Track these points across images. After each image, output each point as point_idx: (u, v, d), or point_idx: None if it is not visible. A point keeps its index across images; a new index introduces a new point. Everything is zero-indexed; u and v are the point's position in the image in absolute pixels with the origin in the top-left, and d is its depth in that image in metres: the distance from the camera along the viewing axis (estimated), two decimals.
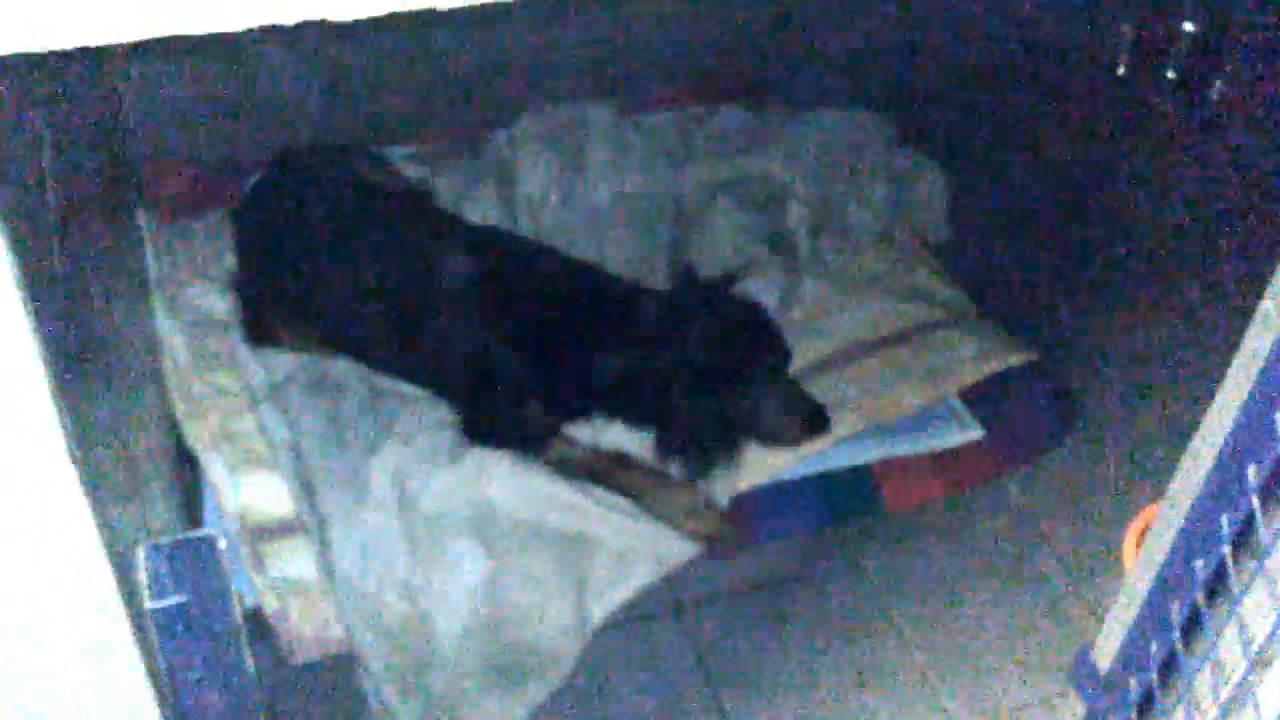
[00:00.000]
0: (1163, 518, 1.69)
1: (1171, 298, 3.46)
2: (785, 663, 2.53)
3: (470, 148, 3.39)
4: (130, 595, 1.28)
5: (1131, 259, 3.65)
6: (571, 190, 3.23)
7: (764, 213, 3.26)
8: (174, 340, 2.75)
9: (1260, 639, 1.22)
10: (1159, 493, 2.33)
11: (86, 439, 1.24)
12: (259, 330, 2.76)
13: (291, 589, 2.41)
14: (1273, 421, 1.12)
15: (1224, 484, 1.24)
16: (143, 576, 1.33)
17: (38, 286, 1.13)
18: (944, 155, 3.67)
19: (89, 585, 1.20)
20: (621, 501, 2.56)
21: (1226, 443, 1.23)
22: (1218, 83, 4.17)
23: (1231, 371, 1.23)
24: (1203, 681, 1.39)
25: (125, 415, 1.85)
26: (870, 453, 2.87)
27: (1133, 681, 1.71)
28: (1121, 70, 4.29)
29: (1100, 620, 2.30)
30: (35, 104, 1.60)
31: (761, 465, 2.75)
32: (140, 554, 1.35)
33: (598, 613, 2.50)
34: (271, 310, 2.78)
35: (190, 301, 2.87)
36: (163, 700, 1.36)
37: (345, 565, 2.38)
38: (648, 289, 2.76)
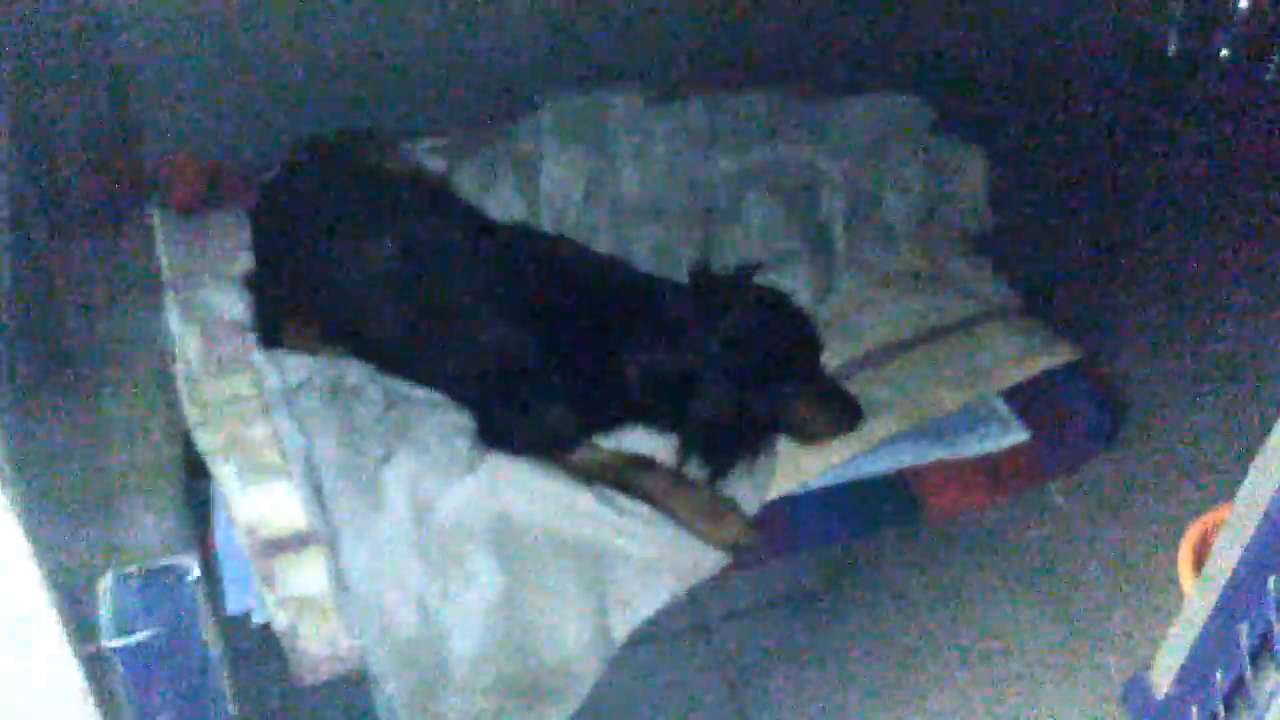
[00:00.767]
0: (1229, 529, 1.56)
1: (1224, 294, 3.32)
2: (817, 682, 2.42)
3: (490, 140, 3.26)
4: (91, 633, 1.17)
5: (1183, 253, 3.51)
6: (596, 182, 3.12)
7: (796, 202, 3.12)
8: (188, 343, 2.64)
9: None
10: (1214, 500, 2.22)
11: (33, 458, 1.12)
12: (274, 332, 2.66)
13: (302, 605, 2.32)
14: None
15: None
16: (103, 611, 1.22)
17: None
18: (984, 143, 3.51)
19: (26, 623, 1.08)
20: (644, 509, 2.44)
21: None
22: (1275, 60, 4.03)
23: None
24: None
25: (110, 426, 1.75)
26: (908, 457, 2.74)
27: (1194, 709, 1.58)
28: (1172, 49, 4.15)
29: (1153, 637, 2.20)
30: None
31: (792, 471, 2.63)
32: (104, 585, 1.24)
33: (620, 629, 2.39)
34: (287, 311, 2.69)
35: (205, 302, 2.76)
36: None
37: (357, 578, 2.29)
38: (672, 282, 2.63)
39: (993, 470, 2.76)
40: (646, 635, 2.42)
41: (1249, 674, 1.33)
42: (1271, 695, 1.25)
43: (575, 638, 2.33)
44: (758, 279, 2.67)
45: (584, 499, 2.41)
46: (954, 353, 2.90)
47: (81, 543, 1.29)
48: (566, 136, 3.16)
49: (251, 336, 2.69)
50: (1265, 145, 3.84)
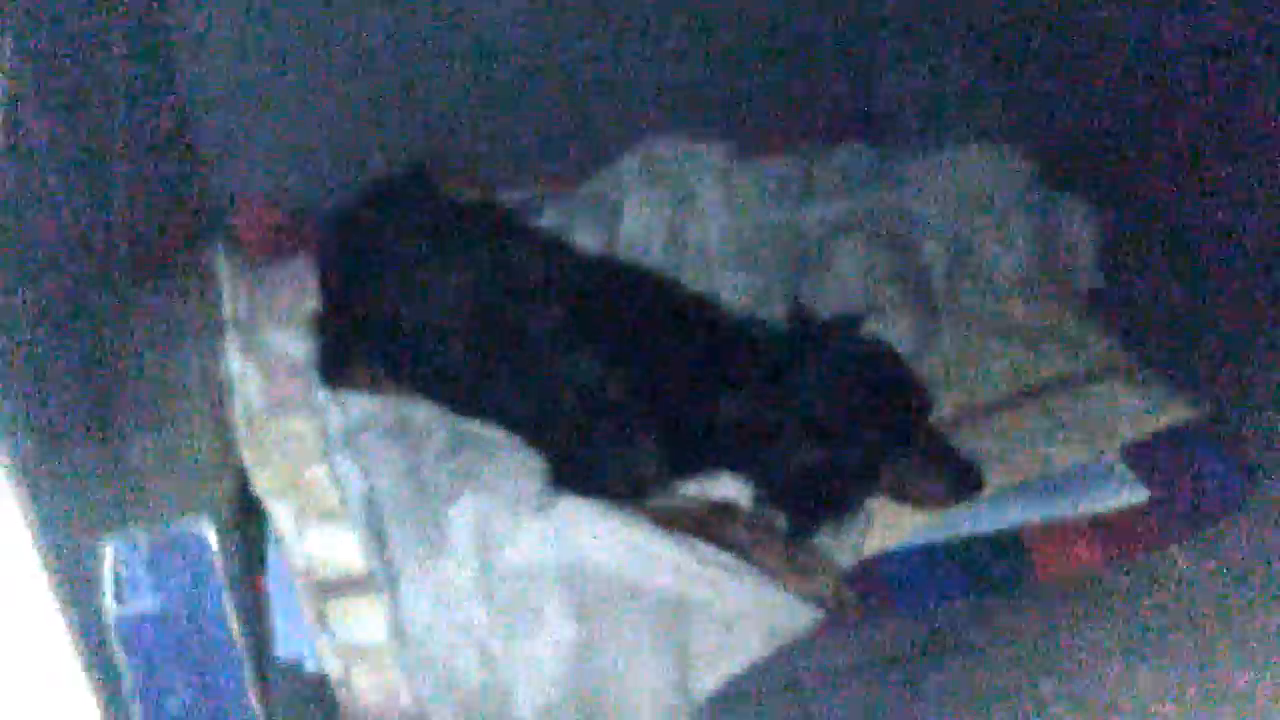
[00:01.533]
0: None
1: None
2: None
3: (568, 186, 3.15)
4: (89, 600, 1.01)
5: None
6: (680, 229, 2.97)
7: (893, 250, 2.94)
8: (247, 383, 2.52)
9: None
10: None
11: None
12: (338, 371, 2.54)
13: (357, 653, 2.15)
14: None
15: None
16: (107, 574, 1.04)
17: None
18: (1095, 194, 3.30)
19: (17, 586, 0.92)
20: (729, 559, 2.25)
21: None
22: None
23: None
24: None
25: (158, 466, 1.62)
26: (1019, 515, 2.51)
27: None
28: None
29: None
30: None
31: (891, 527, 2.42)
32: (109, 550, 1.07)
33: (702, 688, 2.20)
34: (354, 349, 2.56)
35: (267, 342, 2.64)
36: None
37: (417, 625, 2.12)
38: (767, 323, 2.47)
39: (1109, 531, 2.53)
40: (733, 695, 2.22)
41: None
42: None
43: (652, 694, 2.14)
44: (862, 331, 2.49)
45: (664, 546, 2.23)
46: (1067, 408, 2.69)
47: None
48: (650, 182, 3.02)
49: (314, 376, 2.54)
50: None
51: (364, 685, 2.13)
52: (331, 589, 2.23)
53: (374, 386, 2.53)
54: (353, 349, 2.58)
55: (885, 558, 2.42)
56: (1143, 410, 2.68)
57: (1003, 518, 2.51)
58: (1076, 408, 2.69)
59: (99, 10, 1.86)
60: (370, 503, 2.28)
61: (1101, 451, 2.62)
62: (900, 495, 2.38)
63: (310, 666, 2.20)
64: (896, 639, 2.39)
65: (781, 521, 2.31)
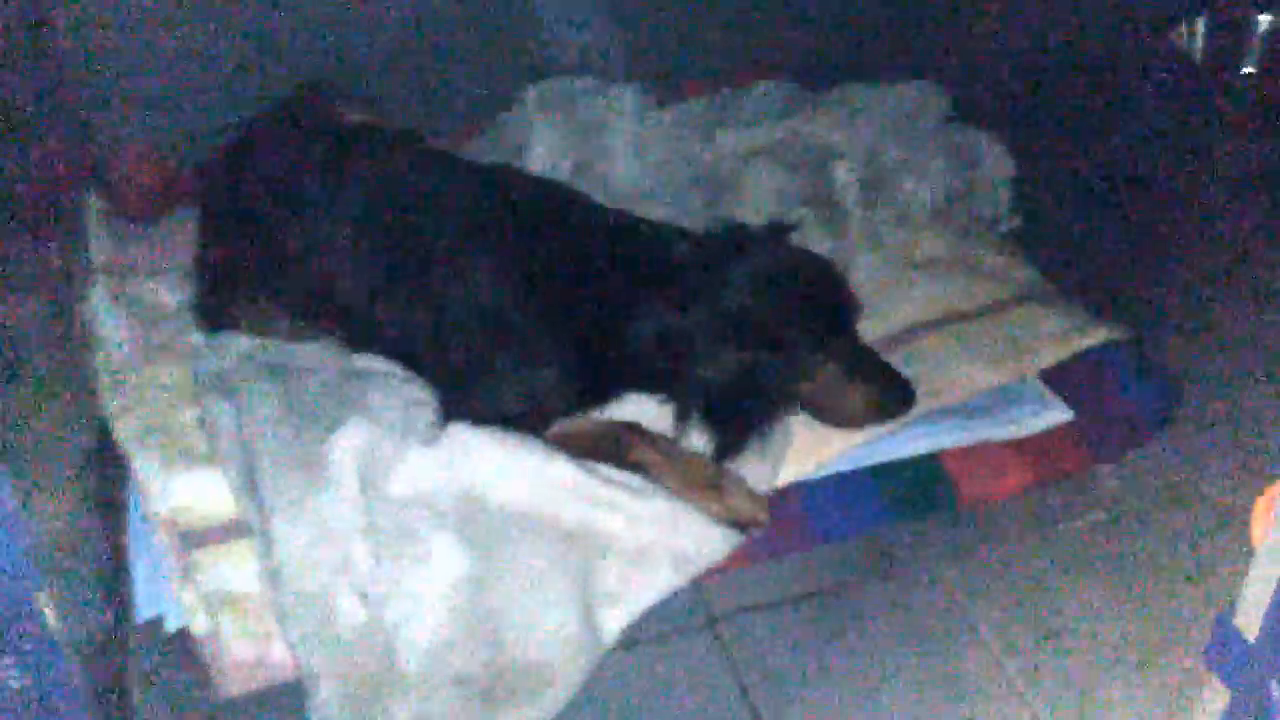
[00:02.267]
0: None
1: (1267, 279, 3.04)
2: (843, 682, 2.04)
3: (477, 131, 3.02)
4: None
5: (1218, 245, 3.24)
6: (588, 162, 2.82)
7: (807, 176, 2.81)
8: (113, 331, 2.33)
9: None
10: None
11: None
12: (218, 312, 2.35)
13: (226, 602, 1.95)
14: None
15: None
16: None
17: None
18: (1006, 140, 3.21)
19: None
20: (635, 481, 2.08)
21: None
22: None
23: None
24: None
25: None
26: (940, 439, 2.39)
27: None
28: (1198, 58, 3.92)
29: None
30: None
31: (806, 454, 2.27)
32: None
33: (611, 624, 2.01)
34: (235, 288, 2.37)
35: (138, 291, 2.47)
36: None
37: (292, 565, 1.92)
38: (685, 232, 2.29)
39: (1034, 454, 2.41)
40: (645, 632, 2.06)
41: None
42: None
43: (555, 631, 1.95)
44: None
45: (563, 470, 2.05)
46: (986, 332, 2.57)
47: None
48: (553, 117, 2.87)
49: (187, 322, 2.38)
50: None
51: (233, 637, 1.93)
52: (198, 537, 2.04)
53: (257, 326, 2.34)
54: (235, 289, 2.38)
55: (803, 486, 2.27)
56: (1062, 332, 2.57)
57: (923, 442, 2.38)
58: (996, 331, 2.57)
59: None
60: (244, 444, 2.08)
61: (1023, 374, 2.49)
62: (823, 411, 2.23)
63: (173, 624, 1.99)
64: (819, 570, 2.24)
65: (695, 440, 2.13)
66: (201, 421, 2.18)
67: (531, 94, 2.97)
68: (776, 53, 3.34)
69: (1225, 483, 2.42)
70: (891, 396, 2.22)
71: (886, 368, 2.25)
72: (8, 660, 1.40)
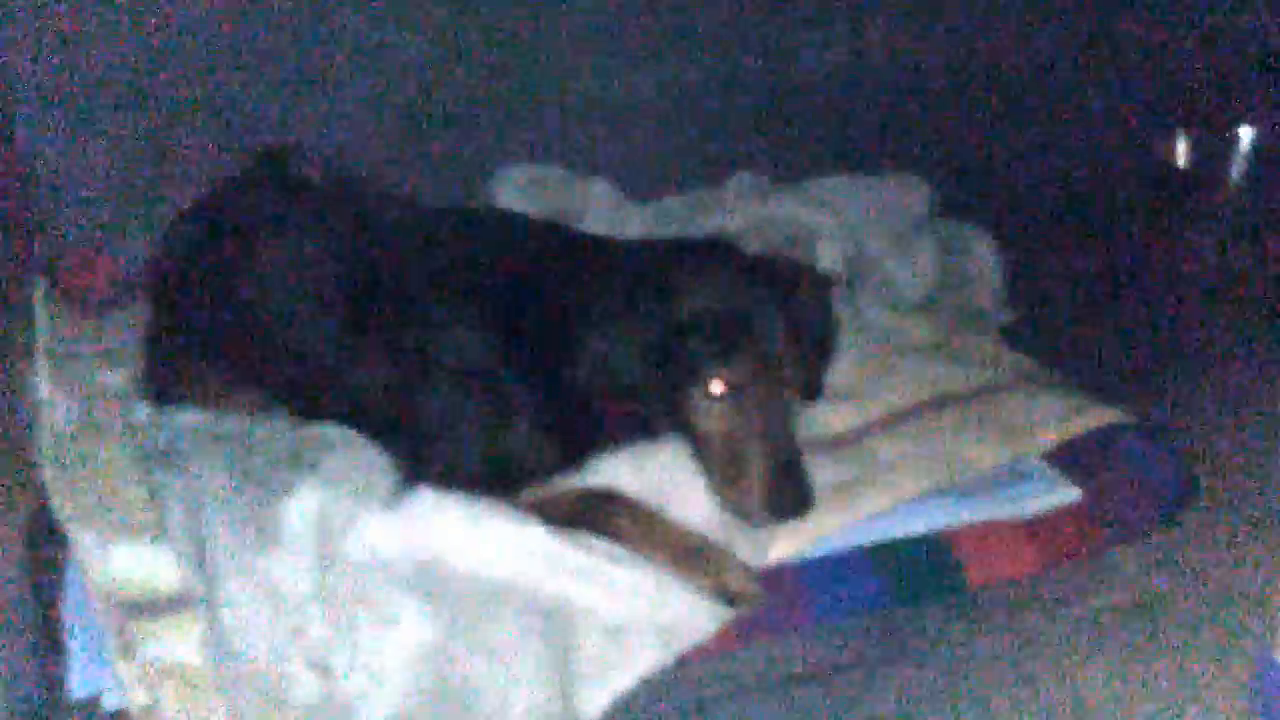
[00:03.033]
0: None
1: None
2: None
3: None
4: None
5: (1218, 338, 3.13)
6: None
7: (790, 254, 2.71)
8: (56, 409, 2.22)
9: None
10: None
11: None
12: (167, 385, 2.24)
13: (167, 675, 1.77)
14: None
15: None
16: None
17: None
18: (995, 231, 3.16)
19: None
20: (615, 550, 1.92)
21: None
22: None
23: None
24: None
25: None
26: (944, 518, 2.24)
27: None
28: (1181, 164, 3.94)
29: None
30: None
31: (799, 530, 2.10)
32: None
33: (590, 705, 1.85)
34: (187, 360, 2.27)
35: (83, 372, 2.38)
36: None
37: (240, 632, 1.76)
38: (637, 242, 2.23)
39: (1047, 534, 2.26)
40: (628, 715, 1.88)
41: None
42: None
43: (528, 710, 1.78)
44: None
45: (538, 537, 1.90)
46: (983, 413, 2.46)
47: None
48: (525, 199, 2.78)
49: (132, 401, 2.28)
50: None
51: (174, 713, 1.74)
52: (138, 610, 1.87)
53: (208, 399, 2.21)
54: (187, 361, 2.26)
55: (800, 565, 2.11)
56: (1063, 413, 2.46)
57: (927, 520, 2.23)
58: (993, 413, 2.46)
59: None
60: (192, 513, 1.93)
61: (1023, 453, 2.37)
62: (706, 467, 2.02)
63: (110, 702, 1.81)
64: (814, 653, 2.07)
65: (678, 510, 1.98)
66: (148, 496, 2.03)
67: (503, 181, 2.90)
68: (752, 152, 3.28)
69: (1249, 566, 2.32)
70: (789, 502, 1.97)
71: (799, 470, 1.99)
72: None
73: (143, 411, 2.22)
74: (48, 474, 2.11)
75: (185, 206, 2.48)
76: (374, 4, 2.89)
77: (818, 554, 2.13)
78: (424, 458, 2.00)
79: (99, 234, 2.86)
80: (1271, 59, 3.92)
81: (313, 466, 1.96)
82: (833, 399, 2.42)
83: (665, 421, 2.01)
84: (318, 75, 2.89)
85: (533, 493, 2.00)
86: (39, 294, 2.55)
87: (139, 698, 1.77)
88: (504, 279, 2.08)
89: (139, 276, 2.69)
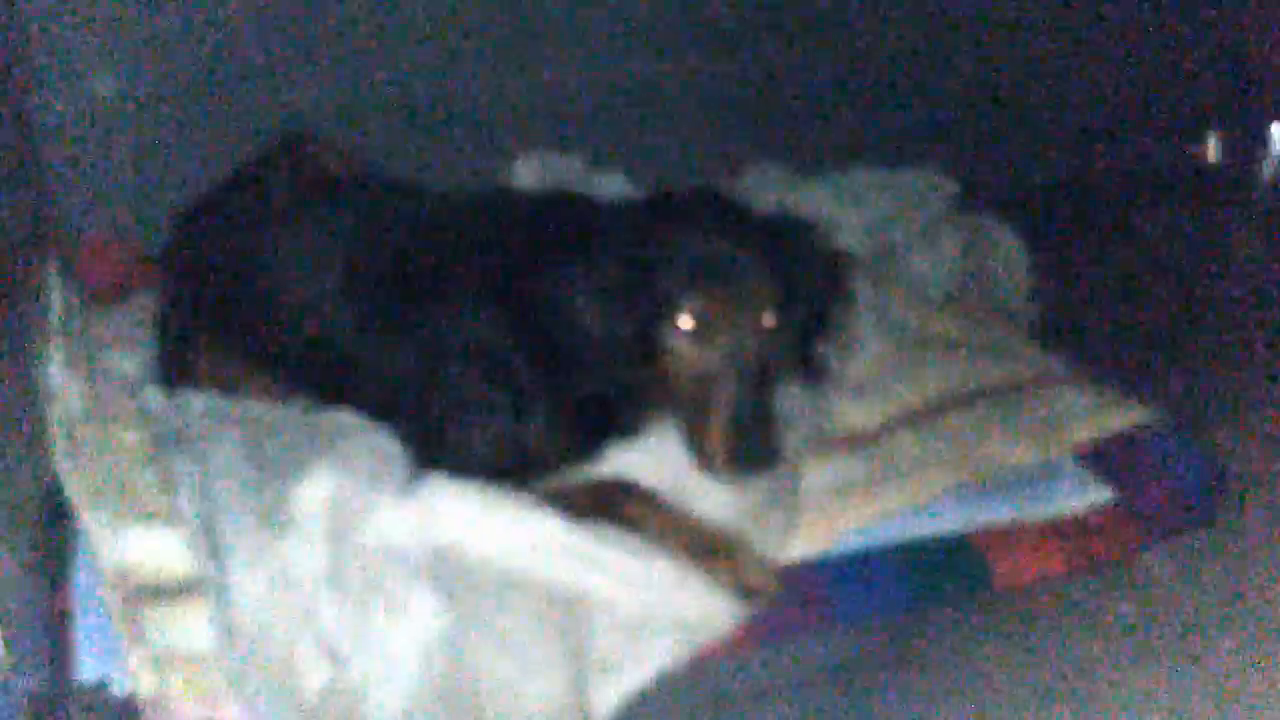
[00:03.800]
0: None
1: None
2: None
3: None
4: None
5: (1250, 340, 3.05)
6: None
7: None
8: (69, 393, 2.18)
9: None
10: None
11: None
12: (180, 369, 2.22)
13: (174, 661, 1.73)
14: None
15: None
16: None
17: None
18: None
19: None
20: (632, 542, 1.88)
21: None
22: None
23: None
24: None
25: None
26: (971, 516, 2.19)
27: None
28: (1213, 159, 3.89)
29: None
30: None
31: (821, 528, 2.08)
32: None
33: (604, 698, 1.80)
34: (201, 342, 2.24)
35: (96, 358, 2.35)
36: None
37: (249, 618, 1.72)
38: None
39: (1075, 536, 2.21)
40: (643, 710, 1.83)
41: None
42: None
43: (541, 701, 1.74)
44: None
45: (553, 526, 1.86)
46: (1012, 409, 2.42)
47: None
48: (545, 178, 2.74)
49: (145, 387, 2.25)
50: None
51: (183, 699, 1.71)
52: (149, 595, 1.84)
53: (222, 383, 2.19)
54: (200, 346, 2.23)
55: (824, 564, 2.07)
56: (1094, 410, 2.41)
57: (952, 519, 2.19)
58: (1021, 409, 2.41)
59: None
60: (204, 497, 1.90)
61: (1052, 452, 2.32)
62: (683, 434, 1.94)
63: (118, 688, 1.78)
64: (834, 655, 2.04)
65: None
66: (160, 480, 2.00)
67: (518, 171, 2.86)
68: (768, 145, 3.23)
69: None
70: (751, 454, 1.87)
71: (768, 419, 1.90)
72: None
73: (155, 396, 2.18)
74: (59, 458, 2.07)
75: (200, 192, 2.44)
76: None
77: (839, 553, 2.08)
78: (439, 445, 1.96)
79: (114, 219, 2.84)
80: None
81: (326, 452, 1.92)
82: (854, 394, 2.40)
83: (641, 372, 1.92)
84: (331, 64, 2.86)
85: (549, 482, 1.95)
86: (53, 279, 2.51)
87: (148, 683, 1.73)
88: (516, 262, 2.02)
89: (154, 262, 2.67)
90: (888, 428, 2.35)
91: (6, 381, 1.99)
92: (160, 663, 1.75)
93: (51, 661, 1.81)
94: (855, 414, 2.35)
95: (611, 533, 1.90)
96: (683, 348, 1.87)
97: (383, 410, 2.06)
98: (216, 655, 1.74)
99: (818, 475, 2.16)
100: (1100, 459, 2.33)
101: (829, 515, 2.10)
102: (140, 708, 1.73)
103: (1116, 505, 2.26)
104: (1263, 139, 3.97)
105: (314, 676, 1.69)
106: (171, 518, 1.94)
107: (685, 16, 3.17)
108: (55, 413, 2.17)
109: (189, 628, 1.79)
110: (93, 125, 2.79)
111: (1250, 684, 1.97)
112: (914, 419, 2.37)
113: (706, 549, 1.89)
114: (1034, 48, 3.57)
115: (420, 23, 2.92)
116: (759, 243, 1.91)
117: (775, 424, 1.92)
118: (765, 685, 1.94)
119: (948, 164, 3.20)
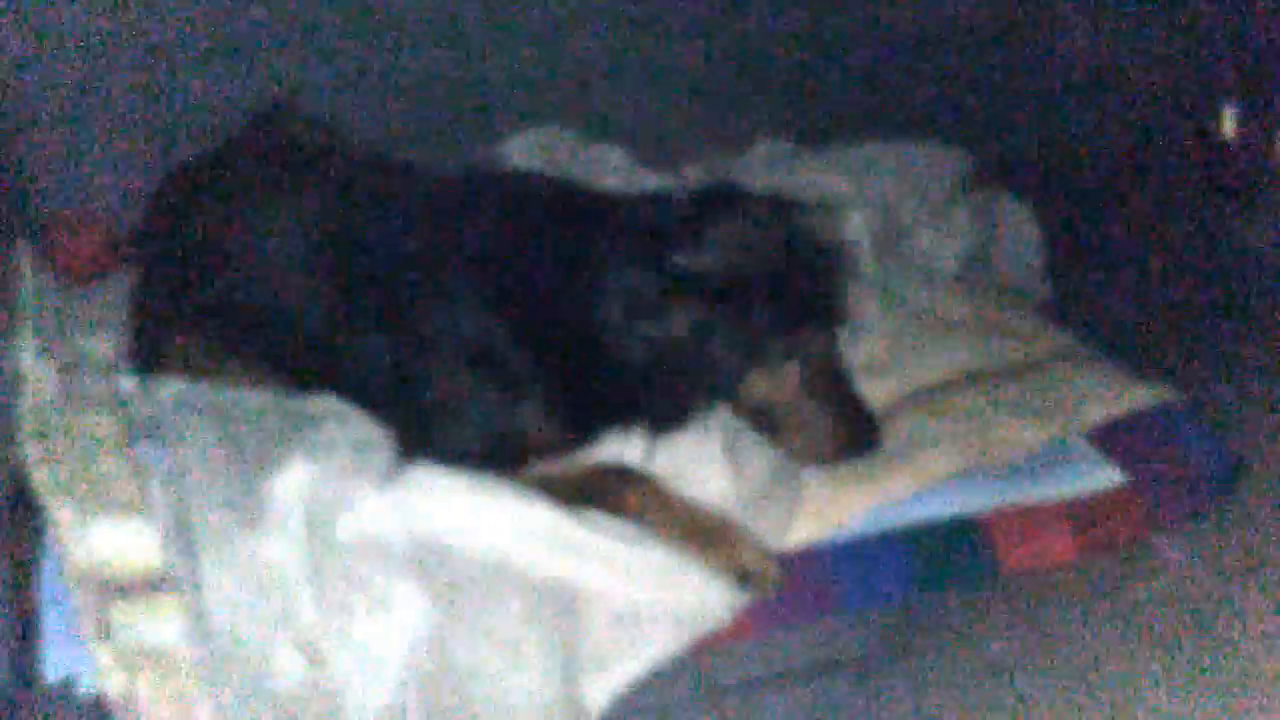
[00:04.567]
0: None
1: None
2: None
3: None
4: None
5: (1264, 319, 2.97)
6: None
7: (818, 222, 2.57)
8: (40, 380, 2.10)
9: None
10: None
11: None
12: (154, 353, 2.14)
13: (144, 658, 1.66)
14: None
15: None
16: None
17: None
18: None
19: None
20: (625, 529, 1.80)
21: None
22: None
23: None
24: None
25: None
26: (978, 499, 2.12)
27: None
28: (1229, 133, 3.79)
29: None
30: None
31: (823, 511, 2.00)
32: None
33: (596, 693, 1.74)
34: (176, 324, 2.16)
35: (69, 342, 2.26)
36: None
37: (222, 614, 1.65)
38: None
39: (1085, 519, 2.14)
40: (637, 704, 1.76)
41: None
42: None
43: (530, 699, 1.67)
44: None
45: (543, 515, 1.78)
46: (1023, 390, 2.33)
47: None
48: (534, 163, 2.66)
49: (118, 372, 2.17)
50: None
51: (153, 699, 1.64)
52: (118, 590, 1.76)
53: (197, 367, 2.10)
54: (175, 329, 2.15)
55: (828, 548, 2.00)
56: (1107, 390, 2.33)
57: (959, 502, 2.11)
58: (1033, 389, 2.33)
59: None
60: (175, 490, 1.82)
61: (1064, 433, 2.24)
62: (769, 421, 1.94)
63: (86, 687, 1.71)
64: (838, 641, 1.96)
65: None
66: (131, 470, 1.92)
67: (514, 145, 2.78)
68: (774, 117, 3.15)
69: None
70: (854, 427, 1.94)
71: (854, 397, 1.97)
72: None
73: (128, 381, 2.11)
74: (28, 446, 2.00)
75: (176, 168, 2.36)
76: None
77: (843, 538, 2.02)
78: (423, 433, 1.88)
79: (88, 198, 2.75)
80: None
81: (304, 441, 1.85)
82: (862, 375, 2.30)
83: (718, 393, 1.92)
84: (320, 37, 2.77)
85: (539, 469, 1.87)
86: (25, 261, 2.44)
87: (116, 682, 1.67)
88: (509, 248, 1.95)
89: (129, 242, 2.60)
90: (894, 409, 2.26)
91: None
92: (130, 661, 1.68)
93: (16, 660, 1.74)
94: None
95: (604, 520, 1.82)
96: (760, 389, 1.90)
97: (365, 396, 1.98)
98: (188, 654, 1.67)
99: None
100: (1112, 440, 2.25)
101: (833, 499, 2.03)
102: (109, 708, 1.67)
103: (1128, 487, 2.18)
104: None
105: (289, 677, 1.62)
106: (143, 509, 1.86)
107: None
108: (25, 401, 2.09)
109: (159, 624, 1.73)
110: (66, 102, 2.70)
111: (1263, 668, 1.88)
112: (923, 399, 2.30)
113: (703, 535, 1.82)
114: (1048, 19, 3.47)
115: None
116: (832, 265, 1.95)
117: (861, 399, 1.96)
118: (765, 674, 1.86)
119: (960, 138, 3.10)
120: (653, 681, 1.77)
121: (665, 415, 1.87)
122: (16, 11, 2.56)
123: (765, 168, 2.86)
